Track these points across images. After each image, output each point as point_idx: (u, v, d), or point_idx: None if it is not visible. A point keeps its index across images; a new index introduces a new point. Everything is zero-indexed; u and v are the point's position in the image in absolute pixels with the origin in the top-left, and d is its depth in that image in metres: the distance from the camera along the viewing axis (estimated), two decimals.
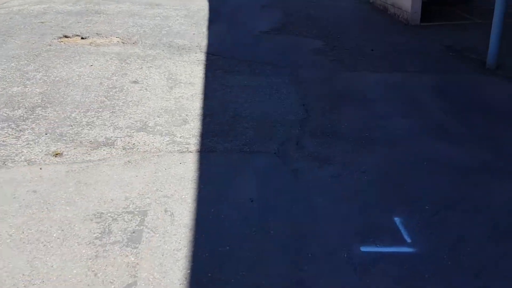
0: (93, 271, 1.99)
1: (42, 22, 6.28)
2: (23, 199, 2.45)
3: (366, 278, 2.03)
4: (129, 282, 1.94)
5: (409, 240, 2.27)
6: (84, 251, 2.11)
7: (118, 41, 5.55)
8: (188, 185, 2.70)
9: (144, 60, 4.89)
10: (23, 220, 2.29)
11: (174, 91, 4.10)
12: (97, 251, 2.11)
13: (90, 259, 2.06)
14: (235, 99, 4.02)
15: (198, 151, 3.10)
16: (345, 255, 2.15)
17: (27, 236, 2.18)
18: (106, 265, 2.03)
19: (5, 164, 2.76)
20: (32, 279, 1.93)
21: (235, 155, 3.10)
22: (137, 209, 2.44)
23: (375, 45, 5.66)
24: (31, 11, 6.92)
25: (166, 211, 2.45)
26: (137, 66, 4.66)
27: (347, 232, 2.33)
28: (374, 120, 3.66)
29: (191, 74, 4.55)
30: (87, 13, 6.92)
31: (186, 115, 3.64)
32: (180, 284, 1.94)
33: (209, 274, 2.01)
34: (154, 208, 2.46)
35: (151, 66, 4.68)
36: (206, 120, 3.58)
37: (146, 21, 6.60)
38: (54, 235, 2.20)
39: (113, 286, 1.91)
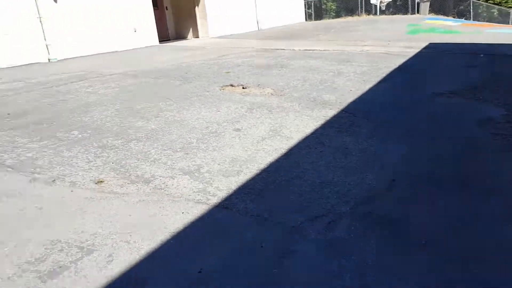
0: None
1: (227, 73, 7.06)
2: (24, 216, 2.67)
3: None
4: None
5: None
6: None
7: (269, 92, 5.63)
8: (157, 237, 2.38)
9: (270, 111, 4.76)
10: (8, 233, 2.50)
11: (263, 142, 3.79)
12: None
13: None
14: (316, 160, 3.38)
15: (212, 205, 2.72)
16: None
17: None
18: None
19: (54, 182, 3.11)
20: None
21: (245, 221, 2.56)
22: (82, 245, 2.28)
23: None
24: (229, 63, 7.91)
25: (106, 257, 2.20)
26: (256, 116, 4.57)
27: None
28: None
29: (298, 129, 4.12)
30: (272, 67, 7.38)
31: (246, 167, 3.27)
32: None
33: None
34: (100, 245, 2.25)
35: (268, 118, 4.50)
36: (259, 177, 3.12)
37: (316, 76, 6.49)
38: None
39: None
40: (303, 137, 3.87)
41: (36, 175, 3.19)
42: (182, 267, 2.12)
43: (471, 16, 23.09)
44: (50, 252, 2.26)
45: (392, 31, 13.38)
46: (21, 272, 2.10)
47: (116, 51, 11.31)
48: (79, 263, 2.16)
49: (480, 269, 2.01)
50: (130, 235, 2.40)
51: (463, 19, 20.89)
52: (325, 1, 32.06)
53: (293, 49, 9.88)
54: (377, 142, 3.71)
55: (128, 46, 11.56)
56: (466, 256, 2.11)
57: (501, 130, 3.81)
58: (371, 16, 22.71)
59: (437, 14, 21.74)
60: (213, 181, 3.04)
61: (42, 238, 2.38)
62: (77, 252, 2.26)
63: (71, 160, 3.47)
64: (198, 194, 2.86)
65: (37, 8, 9.22)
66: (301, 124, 4.22)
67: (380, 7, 23.64)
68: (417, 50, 8.77)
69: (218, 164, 3.34)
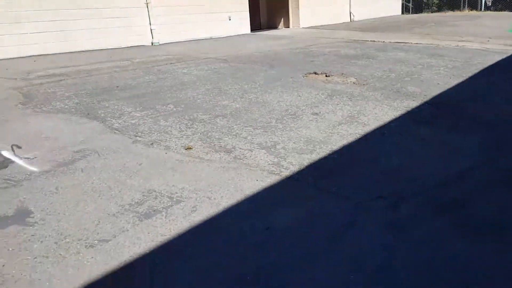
0: None
1: (312, 61, 7.23)
2: (127, 169, 3.17)
3: None
4: None
5: None
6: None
7: (352, 81, 5.72)
8: (234, 197, 2.70)
9: (350, 98, 4.88)
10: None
11: (339, 127, 3.96)
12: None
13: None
14: (389, 147, 3.48)
15: (284, 177, 2.98)
16: None
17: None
18: None
19: (152, 145, 3.61)
20: None
21: (313, 192, 2.79)
22: (171, 196, 2.69)
23: None
24: (315, 52, 8.06)
25: (191, 207, 2.58)
26: (336, 102, 4.72)
27: None
28: None
29: (377, 117, 4.21)
30: (358, 58, 7.40)
31: (320, 147, 3.48)
32: None
33: None
34: (186, 197, 2.64)
35: (347, 105, 4.63)
36: (331, 157, 3.32)
37: (403, 68, 6.41)
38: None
39: None
40: (380, 125, 3.95)
41: (138, 138, 3.72)
42: (252, 223, 2.42)
43: None
44: (147, 199, 2.69)
45: (494, 27, 12.40)
46: (123, 211, 2.56)
47: (211, 38, 12.02)
48: (169, 210, 2.56)
49: None
50: (211, 193, 2.76)
51: None
52: None
53: (383, 41, 9.71)
54: (457, 135, 3.68)
55: (222, 34, 12.21)
56: None
57: None
58: (474, 12, 21.08)
59: None
60: (287, 157, 3.30)
61: (140, 188, 2.83)
62: (167, 200, 2.67)
63: (166, 129, 3.96)
64: (272, 166, 3.13)
65: None
66: (380, 113, 4.29)
67: (485, 2, 21.82)
68: None
69: (294, 143, 3.58)
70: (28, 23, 8.34)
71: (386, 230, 2.31)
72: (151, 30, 10.43)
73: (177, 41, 11.16)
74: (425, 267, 1.98)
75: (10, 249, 2.17)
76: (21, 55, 8.31)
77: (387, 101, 4.69)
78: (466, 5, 23.45)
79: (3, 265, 2.04)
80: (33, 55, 8.47)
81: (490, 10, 21.40)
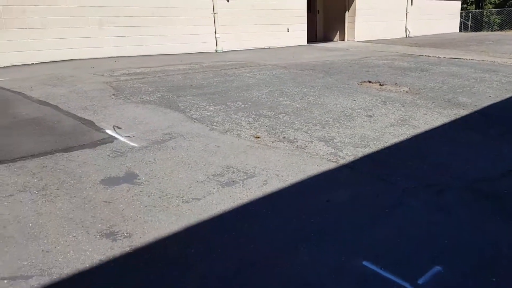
0: None
1: (367, 71, 7.65)
2: (208, 149, 3.78)
3: None
4: None
5: None
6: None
7: (404, 90, 6.10)
8: (298, 176, 3.22)
9: (403, 104, 5.27)
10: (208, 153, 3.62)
11: (391, 128, 4.38)
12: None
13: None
14: (437, 147, 3.86)
15: (340, 164, 3.46)
16: None
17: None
18: None
19: (226, 133, 4.21)
20: None
21: (365, 178, 3.24)
22: (246, 171, 3.26)
23: None
24: (370, 64, 8.45)
25: (263, 181, 3.13)
26: (388, 107, 5.14)
27: None
28: None
29: (426, 121, 4.58)
30: (412, 70, 7.73)
31: (373, 143, 3.93)
32: None
33: None
34: (258, 174, 3.19)
35: (400, 110, 5.03)
36: (382, 151, 3.75)
37: (456, 80, 6.69)
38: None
39: None
40: (429, 128, 4.33)
41: (214, 127, 4.34)
42: (315, 196, 2.92)
43: None
44: (226, 172, 3.27)
45: None
46: (208, 180, 3.14)
47: (269, 47, 12.69)
48: (245, 181, 3.12)
49: None
50: (279, 171, 3.29)
51: None
52: (488, 14, 29.60)
53: (437, 57, 9.91)
54: (504, 141, 3.99)
55: (280, 44, 12.86)
56: None
57: None
58: None
59: None
60: (343, 149, 3.77)
61: (220, 164, 3.42)
62: (243, 174, 3.23)
63: (237, 121, 4.56)
64: (330, 155, 3.62)
65: (213, 5, 11.01)
66: (430, 118, 4.66)
67: None
68: None
69: (349, 138, 4.05)
70: (109, 28, 9.38)
71: (430, 210, 2.73)
72: (216, 38, 11.26)
73: (239, 49, 11.93)
74: (471, 239, 2.40)
75: (126, 199, 2.81)
76: (103, 56, 9.35)
77: (437, 109, 5.04)
78: None
79: (123, 209, 2.67)
80: (113, 57, 9.49)
81: None
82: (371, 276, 2.08)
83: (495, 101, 5.36)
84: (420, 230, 2.48)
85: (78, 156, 3.43)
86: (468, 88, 6.10)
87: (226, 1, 11.30)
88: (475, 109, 5.03)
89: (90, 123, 4.29)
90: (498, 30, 24.38)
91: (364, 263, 2.19)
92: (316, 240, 2.38)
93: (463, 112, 4.90)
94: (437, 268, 2.15)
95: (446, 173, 3.29)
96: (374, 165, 3.44)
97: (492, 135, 4.19)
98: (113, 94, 5.56)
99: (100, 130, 4.11)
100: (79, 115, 4.58)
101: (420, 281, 2.06)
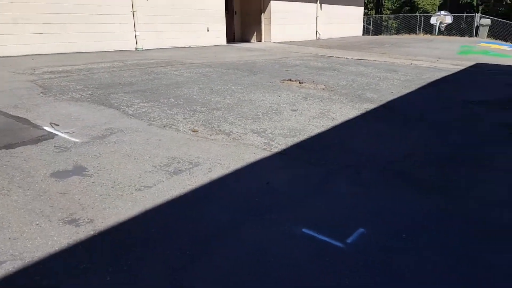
0: None
1: (287, 70, 8.24)
2: (150, 143, 3.97)
3: None
4: None
5: None
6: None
7: (321, 88, 6.74)
8: (238, 163, 3.57)
9: (321, 100, 5.88)
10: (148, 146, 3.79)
11: (313, 120, 4.92)
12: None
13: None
14: (353, 135, 4.46)
15: (274, 152, 3.88)
16: None
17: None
18: None
19: (164, 127, 4.42)
20: None
21: (296, 163, 3.70)
22: (190, 161, 3.53)
23: None
24: (288, 63, 9.09)
25: (207, 169, 3.42)
26: (310, 102, 5.71)
27: None
28: None
29: (342, 114, 5.21)
30: (325, 69, 8.48)
31: (300, 134, 4.41)
32: None
33: None
34: (202, 163, 3.47)
35: (319, 104, 5.62)
36: (308, 140, 4.25)
37: (363, 79, 7.53)
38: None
39: None
40: (345, 120, 4.96)
41: (152, 122, 4.51)
42: (255, 180, 3.29)
43: None
44: (172, 162, 3.51)
45: (444, 50, 14.02)
46: (156, 170, 3.36)
47: (190, 46, 12.86)
48: (191, 170, 3.39)
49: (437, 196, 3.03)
50: (221, 160, 3.61)
51: None
52: (386, 18, 32.63)
53: (346, 58, 10.92)
54: (405, 129, 4.73)
55: (201, 43, 13.09)
56: (442, 190, 3.14)
57: None
58: (428, 36, 23.13)
59: (496, 39, 21.82)
60: (274, 139, 4.21)
61: (165, 155, 3.64)
62: (188, 164, 3.49)
63: (173, 116, 4.78)
64: (264, 145, 4.03)
65: (132, 3, 10.90)
66: (345, 111, 5.31)
67: (439, 27, 24.00)
68: (462, 68, 9.54)
69: (279, 130, 4.50)
70: (24, 24, 8.87)
71: (351, 185, 3.26)
72: (135, 36, 11.16)
73: (160, 47, 11.93)
74: (385, 206, 2.94)
75: (80, 190, 2.94)
76: (18, 54, 8.82)
77: (350, 104, 5.73)
78: (422, 29, 25.60)
79: (79, 199, 2.81)
80: (29, 55, 8.99)
81: (443, 35, 23.53)
82: (310, 239, 2.50)
83: (396, 96, 6.21)
84: (345, 201, 2.98)
85: (22, 152, 3.42)
86: (374, 86, 6.95)
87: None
88: (381, 103, 5.80)
89: (25, 121, 4.22)
90: (396, 34, 27.07)
91: (303, 230, 2.61)
92: (261, 215, 2.75)
93: (371, 106, 5.63)
94: (361, 230, 2.64)
95: (361, 156, 3.87)
96: (303, 152, 3.91)
97: (395, 124, 4.93)
98: (42, 92, 5.42)
99: (37, 127, 4.07)
100: (11, 113, 4.45)
101: (348, 241, 2.52)
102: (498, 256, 2.33)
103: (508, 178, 3.46)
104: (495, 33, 22.67)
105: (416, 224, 2.67)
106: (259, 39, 16.16)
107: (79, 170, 3.22)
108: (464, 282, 2.10)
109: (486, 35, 21.04)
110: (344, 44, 15.97)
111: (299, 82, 7.08)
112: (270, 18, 15.70)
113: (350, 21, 21.11)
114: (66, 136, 3.90)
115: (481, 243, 2.47)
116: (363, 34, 23.90)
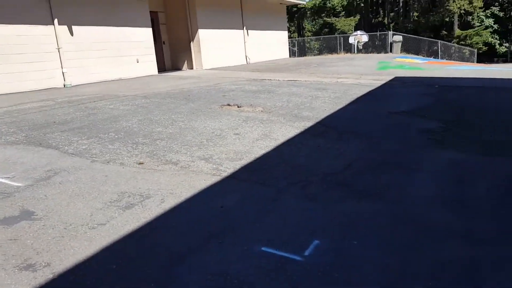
0: None
1: (224, 96, 8.43)
2: (97, 180, 3.90)
3: None
4: None
5: None
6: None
7: (260, 110, 6.99)
8: (190, 191, 3.62)
9: (261, 122, 6.11)
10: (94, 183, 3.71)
11: (257, 142, 5.10)
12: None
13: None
14: (296, 153, 4.70)
15: (224, 177, 3.98)
16: None
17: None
18: None
19: (109, 163, 4.35)
20: None
21: (247, 184, 3.82)
22: (141, 194, 3.52)
23: None
24: (224, 89, 9.31)
25: (160, 200, 3.44)
26: (251, 125, 5.90)
27: None
28: None
29: (283, 134, 5.46)
30: (260, 92, 8.80)
31: (246, 156, 4.55)
32: None
33: None
34: (153, 194, 3.48)
35: (260, 126, 5.84)
36: (255, 162, 4.41)
37: (297, 99, 7.91)
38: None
39: None
40: (287, 139, 5.20)
41: (94, 159, 4.43)
42: (210, 205, 3.36)
43: (439, 56, 25.37)
44: (122, 197, 3.48)
45: (365, 67, 15.11)
46: (107, 206, 3.32)
47: (121, 79, 12.66)
48: (143, 203, 3.39)
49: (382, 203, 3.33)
50: (172, 190, 3.65)
51: (431, 58, 23.04)
52: (309, 40, 34.46)
53: (278, 80, 11.39)
54: (341, 143, 5.06)
55: (132, 75, 12.95)
56: (376, 196, 3.44)
57: (434, 136, 5.21)
58: (348, 54, 24.76)
59: (408, 53, 23.89)
60: (222, 164, 4.32)
61: (114, 191, 3.61)
62: (139, 197, 3.49)
63: (116, 150, 4.72)
64: (213, 170, 4.12)
65: (57, 40, 10.58)
66: (285, 131, 5.57)
67: (357, 46, 25.82)
68: (383, 82, 10.36)
69: (225, 154, 4.62)
70: None
71: (300, 200, 3.45)
72: (63, 73, 10.80)
73: (89, 82, 11.63)
74: (334, 216, 3.15)
75: (31, 234, 2.83)
76: None
77: (289, 123, 6.01)
78: (342, 49, 27.34)
79: (32, 243, 2.71)
80: None
81: (362, 53, 25.33)
82: (270, 256, 2.62)
83: (330, 113, 6.62)
84: (296, 215, 3.15)
85: None
86: (308, 104, 7.34)
87: (71, 35, 10.98)
88: (317, 120, 6.15)
89: None
90: (319, 54, 28.62)
91: (263, 248, 2.73)
92: (220, 239, 2.83)
93: (308, 124, 5.96)
94: (316, 241, 2.81)
95: (306, 172, 4.10)
96: (251, 173, 4.06)
97: (332, 138, 5.26)
98: None
99: None
100: None
101: (306, 253, 2.68)
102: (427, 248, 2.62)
103: (433, 178, 3.86)
104: (407, 48, 24.84)
105: (363, 228, 2.90)
106: (190, 67, 16.31)
107: (27, 215, 3.10)
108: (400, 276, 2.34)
109: (400, 50, 22.97)
110: (273, 67, 16.61)
111: (238, 106, 7.29)
112: (199, 45, 15.96)
113: (276, 44, 22.03)
114: (7, 181, 3.72)
115: (419, 241, 2.75)
116: (290, 56, 25.00)
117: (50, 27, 10.48)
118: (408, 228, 2.89)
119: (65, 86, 10.87)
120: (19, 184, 3.65)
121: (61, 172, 3.98)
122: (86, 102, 7.99)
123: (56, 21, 10.55)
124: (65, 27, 10.85)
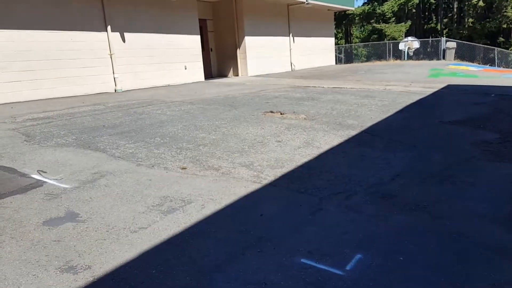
0: None
1: (267, 102, 8.42)
2: (141, 183, 3.98)
3: None
4: None
5: None
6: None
7: (303, 117, 6.91)
8: (230, 198, 3.60)
9: (304, 130, 6.02)
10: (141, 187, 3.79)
11: (299, 150, 5.02)
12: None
13: None
14: (339, 162, 4.57)
15: (264, 184, 3.94)
16: None
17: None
18: None
19: (153, 167, 4.44)
20: None
21: (288, 193, 3.75)
22: (183, 199, 3.55)
23: None
24: (268, 96, 9.29)
25: (200, 206, 3.44)
26: (294, 132, 5.83)
27: None
28: None
29: (326, 142, 5.34)
30: (304, 99, 8.70)
31: (287, 164, 4.49)
32: None
33: None
34: (194, 200, 3.49)
35: (302, 134, 5.75)
36: (297, 170, 4.33)
37: (342, 106, 7.75)
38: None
39: None
40: (330, 147, 5.08)
41: (140, 162, 4.53)
42: (250, 212, 3.33)
43: (495, 63, 24.05)
44: (164, 202, 3.52)
45: (416, 74, 14.59)
46: (149, 210, 3.37)
47: (169, 85, 13.01)
48: (184, 208, 3.41)
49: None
50: (213, 196, 3.64)
51: (487, 65, 21.89)
52: (356, 47, 33.85)
53: (322, 87, 11.23)
54: (388, 152, 4.87)
55: (179, 81, 13.28)
56: (427, 212, 3.24)
57: (490, 148, 4.90)
58: (398, 61, 24.03)
59: (462, 60, 22.83)
60: (263, 171, 4.27)
61: (156, 195, 3.66)
62: (181, 202, 3.51)
63: (160, 155, 4.81)
64: (253, 178, 4.09)
65: (109, 46, 11.05)
66: (329, 139, 5.44)
67: (408, 53, 25.00)
68: (434, 90, 9.93)
69: (266, 162, 4.58)
70: (1, 73, 8.87)
71: (343, 211, 3.33)
72: (114, 78, 11.25)
73: (139, 88, 12.04)
74: (378, 229, 3.01)
75: (74, 236, 2.91)
76: None
77: (332, 131, 5.88)
78: (391, 55, 26.61)
79: (75, 245, 2.79)
80: (8, 103, 8.94)
81: (412, 60, 24.51)
82: (309, 269, 2.53)
83: (376, 121, 6.41)
84: (339, 227, 3.04)
85: (11, 202, 3.38)
86: (353, 112, 7.16)
87: (122, 42, 11.43)
88: (362, 129, 5.98)
89: (12, 170, 4.18)
90: (366, 61, 28.02)
91: (302, 260, 2.64)
92: (259, 247, 2.77)
93: (353, 132, 5.79)
94: (359, 255, 2.69)
95: (349, 181, 3.96)
96: (292, 182, 3.98)
97: (378, 148, 5.08)
98: (25, 140, 5.38)
99: (25, 175, 4.03)
100: None
101: (348, 268, 2.57)
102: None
103: (489, 193, 3.60)
104: (461, 55, 23.76)
105: (409, 244, 2.74)
106: (236, 74, 16.48)
107: (72, 216, 3.20)
108: None
109: (453, 57, 22.02)
110: (319, 73, 16.43)
111: (281, 113, 7.24)
112: (245, 52, 16.09)
113: (323, 51, 21.81)
114: (55, 182, 3.88)
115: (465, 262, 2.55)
116: (336, 63, 24.67)
117: (104, 33, 10.97)
118: (459, 246, 2.70)
119: (116, 91, 11.31)
120: (66, 186, 3.79)
121: (107, 175, 4.09)
122: (135, 107, 8.25)
123: (109, 27, 11.04)
124: (117, 34, 11.32)
